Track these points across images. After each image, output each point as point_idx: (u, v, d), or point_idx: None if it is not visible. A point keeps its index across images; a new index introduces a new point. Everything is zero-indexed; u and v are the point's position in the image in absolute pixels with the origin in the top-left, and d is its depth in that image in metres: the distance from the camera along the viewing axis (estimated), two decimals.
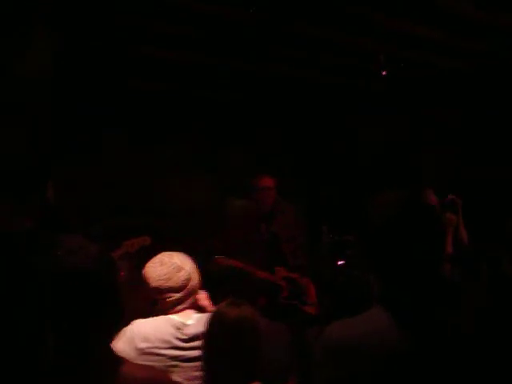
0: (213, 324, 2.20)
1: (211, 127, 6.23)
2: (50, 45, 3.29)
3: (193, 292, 2.50)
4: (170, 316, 2.44)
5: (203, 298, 2.67)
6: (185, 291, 2.45)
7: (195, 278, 2.51)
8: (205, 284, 2.65)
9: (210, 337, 2.20)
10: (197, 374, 2.31)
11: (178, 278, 2.43)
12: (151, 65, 5.22)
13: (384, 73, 5.04)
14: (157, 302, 2.49)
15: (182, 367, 2.35)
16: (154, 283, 2.44)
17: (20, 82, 3.19)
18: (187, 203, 5.81)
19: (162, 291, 2.44)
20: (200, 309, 2.58)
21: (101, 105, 5.45)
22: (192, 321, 2.43)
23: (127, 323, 2.39)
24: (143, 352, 2.31)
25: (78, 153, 5.24)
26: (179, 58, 5.08)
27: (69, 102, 4.94)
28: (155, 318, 2.45)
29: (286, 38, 4.65)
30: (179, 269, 2.45)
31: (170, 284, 2.42)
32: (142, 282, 2.48)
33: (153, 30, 4.42)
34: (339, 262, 4.78)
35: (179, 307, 2.45)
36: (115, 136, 5.61)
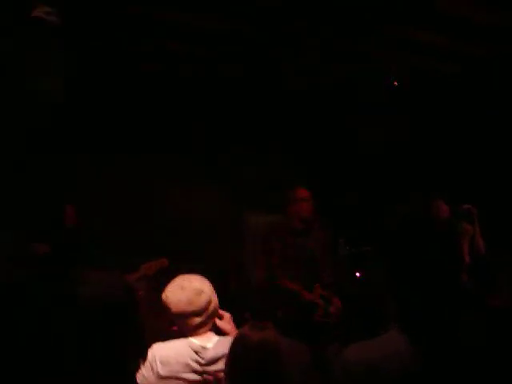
0: (236, 347, 2.19)
1: (220, 139, 6.23)
2: (62, 69, 3.34)
3: (213, 314, 2.51)
4: (190, 339, 2.44)
5: (226, 320, 2.67)
6: (206, 314, 2.46)
7: (214, 300, 2.52)
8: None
9: (233, 360, 2.19)
10: None
11: (200, 302, 2.43)
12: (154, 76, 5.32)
13: (395, 83, 5.04)
14: (177, 326, 2.50)
15: None
16: (175, 308, 2.44)
17: (34, 107, 3.24)
18: (198, 218, 5.81)
19: (184, 316, 2.44)
20: (220, 331, 2.58)
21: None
22: (211, 344, 2.43)
23: (147, 345, 2.41)
24: (163, 376, 2.32)
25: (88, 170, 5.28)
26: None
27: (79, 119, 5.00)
28: (175, 341, 2.46)
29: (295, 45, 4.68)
30: (200, 292, 2.45)
31: (193, 308, 2.42)
32: (163, 306, 2.48)
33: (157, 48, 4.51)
34: (357, 274, 4.74)
35: (200, 330, 2.46)
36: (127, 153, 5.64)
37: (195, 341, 2.43)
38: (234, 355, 2.19)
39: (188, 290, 2.45)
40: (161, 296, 2.55)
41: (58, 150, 4.34)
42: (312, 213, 4.47)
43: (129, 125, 5.64)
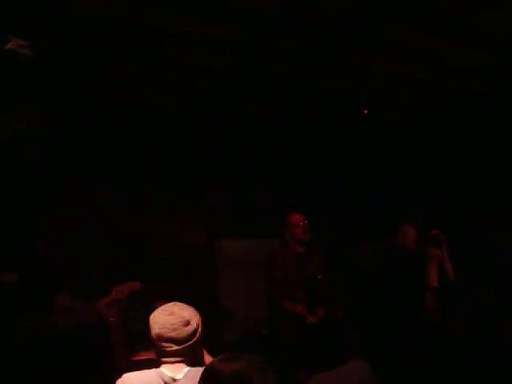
0: (207, 379, 2.17)
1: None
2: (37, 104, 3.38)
3: (193, 348, 2.53)
4: (161, 369, 2.47)
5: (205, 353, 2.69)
6: (185, 345, 2.48)
7: (199, 336, 2.55)
8: None
9: None
10: None
11: (183, 332, 2.47)
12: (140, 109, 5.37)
13: (365, 111, 5.15)
14: (154, 348, 2.54)
15: None
16: (157, 329, 2.48)
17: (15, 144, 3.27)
18: (177, 243, 5.84)
19: (162, 339, 2.47)
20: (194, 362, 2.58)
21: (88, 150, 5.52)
22: (181, 375, 2.45)
23: (118, 372, 2.44)
24: None
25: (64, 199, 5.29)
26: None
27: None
28: (145, 371, 2.48)
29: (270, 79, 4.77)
30: (186, 323, 2.49)
31: (173, 335, 2.46)
32: (148, 324, 2.53)
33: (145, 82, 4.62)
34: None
35: (173, 359, 2.48)
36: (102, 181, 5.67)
37: (166, 371, 2.45)
38: None
39: (176, 316, 2.49)
40: (130, 320, 2.61)
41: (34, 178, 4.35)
42: (308, 236, 4.72)
43: (107, 153, 5.69)
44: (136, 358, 2.74)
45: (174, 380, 2.43)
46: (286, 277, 4.60)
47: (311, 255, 4.78)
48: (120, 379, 2.42)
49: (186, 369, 2.49)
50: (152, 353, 2.63)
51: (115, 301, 3.91)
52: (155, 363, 2.54)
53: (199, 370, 2.30)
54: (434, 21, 3.72)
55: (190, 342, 2.49)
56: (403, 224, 4.76)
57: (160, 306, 2.61)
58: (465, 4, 3.48)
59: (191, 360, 2.54)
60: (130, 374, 2.45)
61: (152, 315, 2.54)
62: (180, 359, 2.49)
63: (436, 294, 4.09)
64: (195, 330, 2.51)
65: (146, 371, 2.48)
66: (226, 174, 6.27)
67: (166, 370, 2.47)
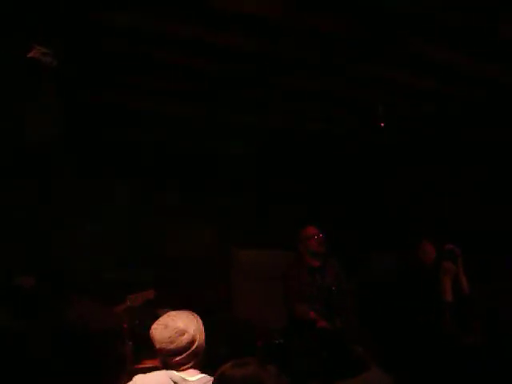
0: None
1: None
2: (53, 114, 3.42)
3: (197, 353, 2.56)
4: (172, 371, 2.51)
5: None
6: (188, 353, 2.53)
7: (200, 339, 2.58)
8: None
9: None
10: None
11: (181, 342, 2.51)
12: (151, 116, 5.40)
13: (382, 124, 5.14)
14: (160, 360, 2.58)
15: None
16: (158, 345, 2.55)
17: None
18: (190, 253, 5.86)
19: (164, 353, 2.54)
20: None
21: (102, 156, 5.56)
22: (193, 378, 2.48)
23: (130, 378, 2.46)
24: None
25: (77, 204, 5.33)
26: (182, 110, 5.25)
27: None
28: (156, 372, 2.52)
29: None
30: (182, 333, 2.53)
31: (172, 347, 2.51)
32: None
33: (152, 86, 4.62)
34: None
35: (182, 367, 2.53)
36: (115, 186, 5.71)
37: (176, 373, 2.49)
38: None
39: (171, 329, 2.53)
40: (135, 327, 2.66)
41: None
42: (324, 248, 4.69)
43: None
44: (140, 366, 2.76)
45: (185, 380, 2.46)
46: (300, 290, 4.59)
47: (327, 267, 4.74)
48: (131, 382, 2.44)
49: (200, 375, 2.51)
50: (156, 361, 2.67)
51: (129, 308, 3.94)
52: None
53: (211, 379, 2.32)
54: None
55: (192, 349, 2.53)
56: (424, 241, 4.76)
57: (164, 313, 2.67)
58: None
59: (201, 364, 2.58)
60: (141, 375, 2.50)
61: (150, 331, 2.60)
62: (189, 366, 2.53)
63: (451, 307, 4.08)
64: (193, 337, 2.54)
65: (157, 372, 2.52)
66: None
67: (177, 372, 2.51)
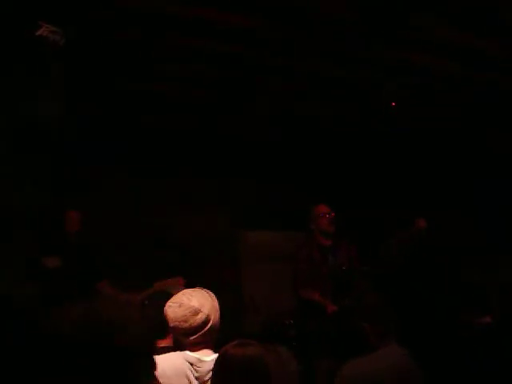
0: (219, 366, 2.19)
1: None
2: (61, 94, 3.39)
3: (211, 333, 2.51)
4: (186, 352, 2.48)
5: None
6: (202, 333, 2.48)
7: (215, 319, 2.52)
8: None
9: (217, 379, 2.19)
10: None
11: (195, 321, 2.46)
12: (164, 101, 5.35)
13: (393, 104, 5.09)
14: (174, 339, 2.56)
15: None
16: (171, 324, 2.50)
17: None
18: (202, 235, 5.85)
19: (178, 332, 2.50)
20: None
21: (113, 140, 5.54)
22: (209, 358, 2.45)
23: None
24: None
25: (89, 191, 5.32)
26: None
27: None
28: (171, 353, 2.50)
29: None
30: (196, 312, 2.47)
31: (186, 326, 2.46)
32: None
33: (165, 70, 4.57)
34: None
35: (196, 347, 2.49)
36: (127, 170, 5.69)
37: (191, 353, 2.46)
38: (218, 373, 2.19)
39: (185, 307, 2.48)
40: (144, 307, 2.64)
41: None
42: (334, 227, 4.66)
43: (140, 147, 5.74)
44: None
45: (201, 361, 2.43)
46: (311, 270, 4.56)
47: (338, 247, 4.71)
48: None
49: (214, 355, 2.45)
50: (168, 340, 2.66)
51: (155, 293, 3.90)
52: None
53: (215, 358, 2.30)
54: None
55: (207, 328, 2.48)
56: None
57: (177, 292, 2.62)
58: None
59: (215, 344, 2.54)
60: (156, 356, 2.46)
61: (164, 309, 2.55)
62: (203, 346, 2.49)
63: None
64: (207, 316, 2.49)
65: (171, 354, 2.49)
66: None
67: (191, 352, 2.48)
